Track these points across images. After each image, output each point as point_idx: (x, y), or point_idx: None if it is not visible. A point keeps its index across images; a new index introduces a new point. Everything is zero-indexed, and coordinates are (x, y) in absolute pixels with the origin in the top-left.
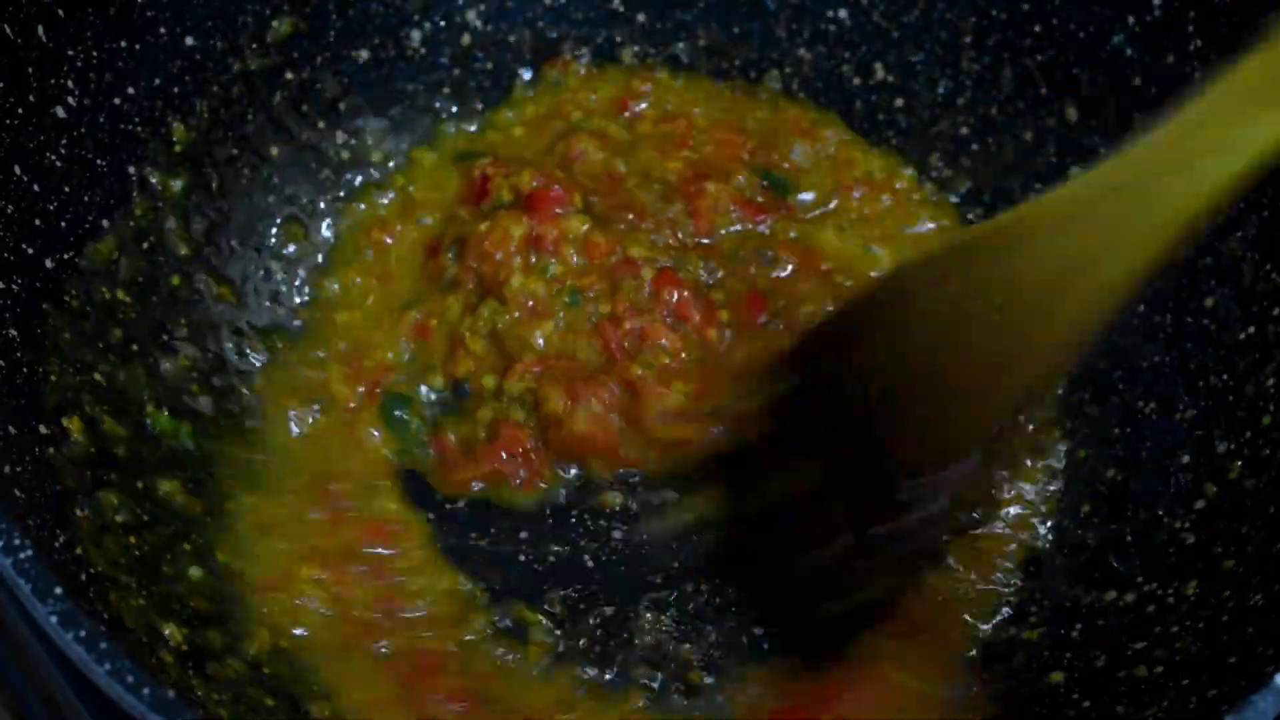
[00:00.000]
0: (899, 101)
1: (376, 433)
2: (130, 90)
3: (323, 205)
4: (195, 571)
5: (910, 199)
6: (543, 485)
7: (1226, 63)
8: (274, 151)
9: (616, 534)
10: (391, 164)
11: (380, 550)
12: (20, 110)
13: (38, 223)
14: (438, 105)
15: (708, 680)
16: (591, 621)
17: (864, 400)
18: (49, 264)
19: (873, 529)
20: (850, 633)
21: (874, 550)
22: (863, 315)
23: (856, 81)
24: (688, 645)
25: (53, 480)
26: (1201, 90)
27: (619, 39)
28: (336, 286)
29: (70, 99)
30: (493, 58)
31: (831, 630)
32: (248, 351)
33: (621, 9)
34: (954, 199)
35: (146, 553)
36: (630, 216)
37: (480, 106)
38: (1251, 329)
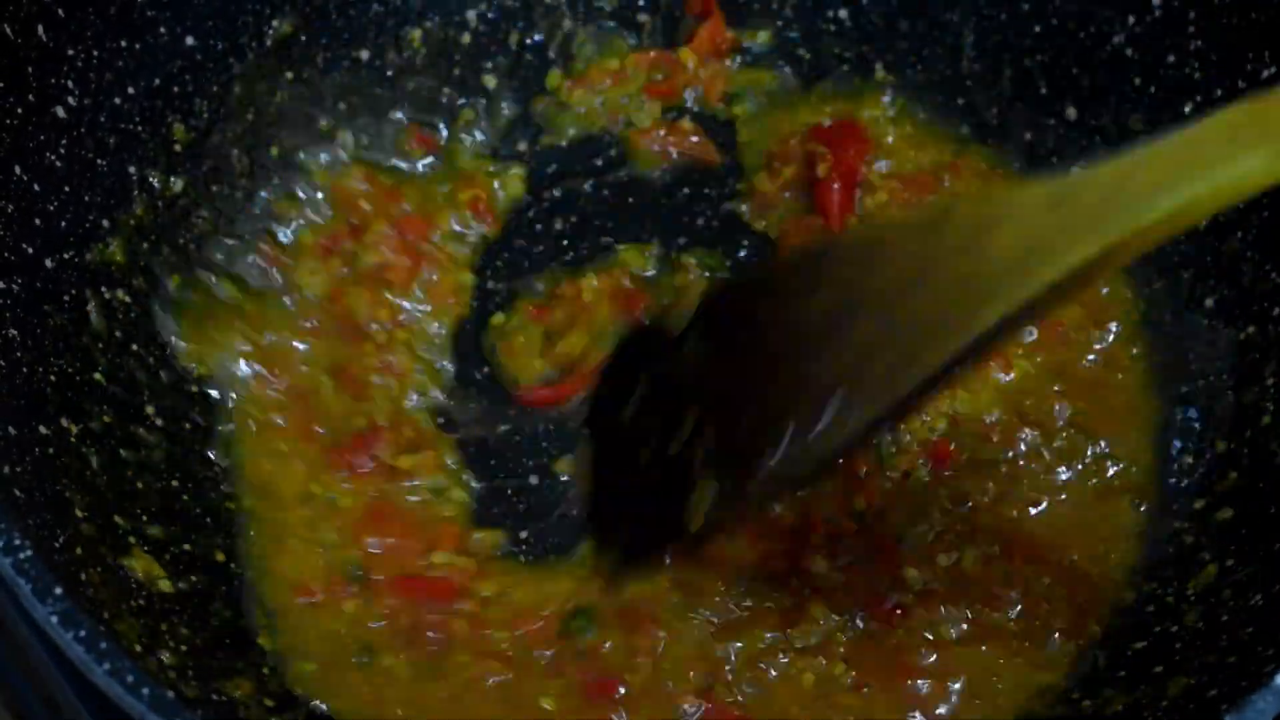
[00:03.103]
0: (899, 101)
1: None
2: (130, 90)
3: (324, 204)
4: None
5: None
6: None
7: (1226, 62)
8: (274, 152)
9: None
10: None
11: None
12: (20, 110)
13: (38, 223)
14: (438, 104)
15: None
16: None
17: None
18: (49, 264)
19: (731, 481)
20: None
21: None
22: (792, 272)
23: (856, 81)
24: None
25: (53, 480)
26: (1188, 125)
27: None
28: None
29: (70, 99)
30: (492, 57)
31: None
32: (248, 351)
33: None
34: None
35: (146, 552)
36: None
37: None
38: (1251, 329)
